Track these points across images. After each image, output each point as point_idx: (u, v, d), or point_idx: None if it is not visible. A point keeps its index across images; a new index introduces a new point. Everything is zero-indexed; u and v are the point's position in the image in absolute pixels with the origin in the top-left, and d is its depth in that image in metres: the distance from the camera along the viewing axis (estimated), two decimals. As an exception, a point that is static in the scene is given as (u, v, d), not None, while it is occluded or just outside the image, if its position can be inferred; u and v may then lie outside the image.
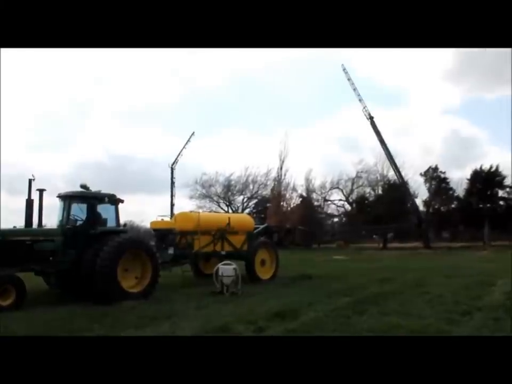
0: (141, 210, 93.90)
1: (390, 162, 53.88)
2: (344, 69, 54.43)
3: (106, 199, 13.11)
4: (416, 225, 54.42)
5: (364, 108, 54.18)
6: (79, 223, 12.64)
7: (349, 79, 54.46)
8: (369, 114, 53.98)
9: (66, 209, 12.58)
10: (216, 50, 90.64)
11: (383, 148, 53.73)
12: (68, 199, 12.75)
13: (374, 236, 63.08)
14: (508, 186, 61.72)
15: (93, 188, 13.40)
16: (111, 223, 13.23)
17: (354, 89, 54.26)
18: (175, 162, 62.73)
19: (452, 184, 64.50)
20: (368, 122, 54.42)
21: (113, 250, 11.92)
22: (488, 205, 60.51)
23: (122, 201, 13.58)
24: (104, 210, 13.19)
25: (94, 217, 12.80)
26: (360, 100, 54.34)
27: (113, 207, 13.35)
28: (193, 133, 63.71)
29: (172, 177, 62.64)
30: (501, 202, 62.13)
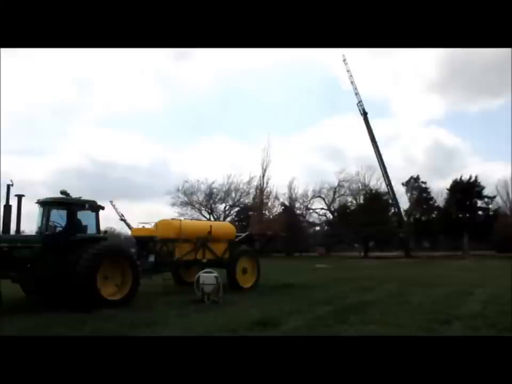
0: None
1: (378, 160, 53.96)
2: (344, 60, 54.60)
3: (87, 206, 12.98)
4: (396, 227, 54.89)
5: (359, 102, 54.40)
6: (58, 229, 12.47)
7: (348, 71, 54.61)
8: (364, 109, 54.16)
9: (46, 216, 12.42)
10: (200, 58, 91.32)
11: (373, 146, 53.91)
12: (47, 205, 12.59)
13: (356, 245, 63.49)
14: (486, 196, 62.92)
15: (74, 194, 13.28)
16: (91, 230, 13.10)
17: (352, 82, 54.45)
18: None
19: (432, 194, 65.77)
20: (362, 118, 54.74)
21: (93, 257, 11.79)
22: (468, 215, 61.50)
23: (103, 208, 13.49)
24: (85, 217, 13.06)
25: (74, 224, 12.66)
26: (356, 94, 54.54)
27: (93, 214, 13.23)
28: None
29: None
30: (480, 212, 63.18)
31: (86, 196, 13.40)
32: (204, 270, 14.08)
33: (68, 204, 12.73)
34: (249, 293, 15.74)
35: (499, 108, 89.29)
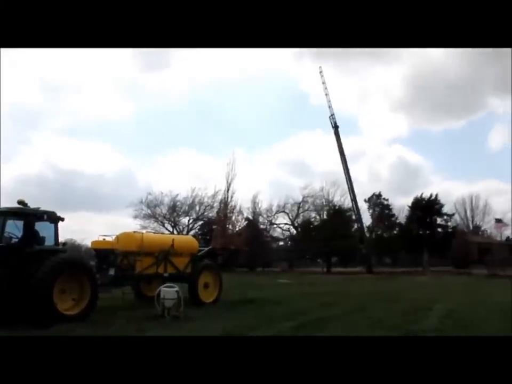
0: (84, 228, 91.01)
1: (345, 174, 54.38)
2: (320, 72, 55.04)
3: (45, 217, 12.62)
4: (358, 242, 55.52)
5: (332, 115, 54.86)
6: (14, 241, 12.05)
7: (323, 83, 54.93)
8: (335, 123, 54.62)
9: (1, 226, 11.96)
10: (171, 70, 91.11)
11: (341, 160, 54.33)
12: (2, 215, 12.11)
13: (319, 260, 63.86)
14: (445, 214, 64.65)
15: (35, 204, 12.91)
16: (49, 242, 12.71)
17: (326, 94, 54.75)
18: None
19: (394, 211, 66.94)
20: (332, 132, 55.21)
21: (50, 270, 11.40)
22: (427, 232, 62.90)
23: (62, 219, 13.11)
24: (43, 228, 12.66)
25: (30, 235, 12.24)
26: (329, 107, 54.88)
27: (52, 225, 12.85)
28: None
29: None
30: (439, 229, 64.75)
31: (48, 206, 13.08)
32: (165, 285, 13.87)
33: (25, 215, 12.32)
34: (211, 308, 15.58)
35: (460, 129, 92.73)
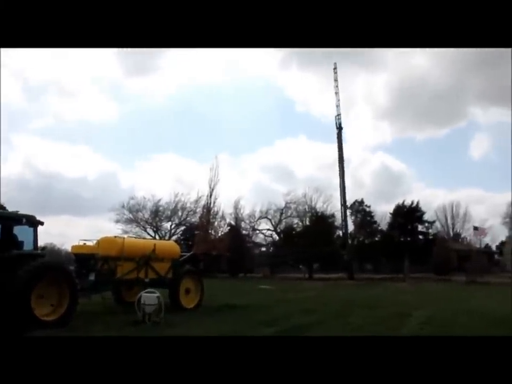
0: (64, 232, 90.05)
1: (340, 176, 54.18)
2: (334, 68, 54.54)
3: (24, 220, 12.43)
4: (339, 248, 55.67)
5: (338, 115, 54.69)
6: (-9, 245, 11.85)
7: (335, 80, 54.57)
8: (340, 124, 54.45)
9: (-22, 230, 11.79)
10: (154, 72, 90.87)
11: (339, 163, 54.19)
12: (-20, 219, 11.97)
13: (300, 266, 63.95)
14: (426, 221, 65.30)
15: (14, 208, 12.76)
16: (28, 246, 12.52)
17: (336, 93, 54.47)
18: None
19: (376, 218, 67.28)
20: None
21: (28, 275, 11.21)
22: (409, 239, 63.42)
23: (42, 223, 12.94)
24: (21, 232, 12.48)
25: (9, 240, 12.05)
26: (337, 106, 54.59)
27: (31, 229, 12.65)
28: None
29: None
30: (420, 237, 65.34)
31: (27, 209, 12.90)
32: (146, 290, 13.76)
33: (3, 218, 12.14)
34: (192, 314, 15.49)
35: (443, 138, 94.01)
